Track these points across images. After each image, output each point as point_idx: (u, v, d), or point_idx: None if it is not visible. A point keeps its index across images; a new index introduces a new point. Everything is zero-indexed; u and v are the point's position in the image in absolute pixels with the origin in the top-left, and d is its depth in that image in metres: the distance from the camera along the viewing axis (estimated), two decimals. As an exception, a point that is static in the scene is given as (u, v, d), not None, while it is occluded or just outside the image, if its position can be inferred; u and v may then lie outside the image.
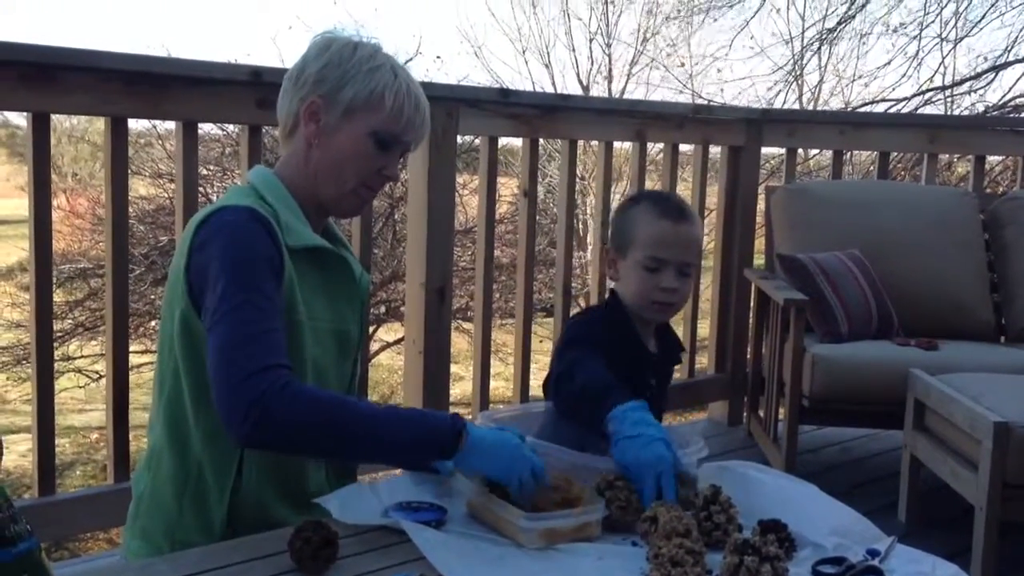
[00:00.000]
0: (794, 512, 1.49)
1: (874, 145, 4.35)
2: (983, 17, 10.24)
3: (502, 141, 3.35)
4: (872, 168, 4.80)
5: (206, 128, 2.47)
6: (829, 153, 4.60)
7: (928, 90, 10.23)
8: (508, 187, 8.55)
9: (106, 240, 2.48)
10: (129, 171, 2.55)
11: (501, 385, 8.28)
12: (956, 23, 10.22)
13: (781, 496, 1.59)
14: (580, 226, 10.49)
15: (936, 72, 10.29)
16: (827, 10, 11.64)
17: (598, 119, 3.58)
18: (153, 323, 8.70)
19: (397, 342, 9.28)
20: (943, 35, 10.23)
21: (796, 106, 11.64)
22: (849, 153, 6.07)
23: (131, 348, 2.64)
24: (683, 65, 13.03)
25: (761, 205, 4.10)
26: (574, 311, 3.52)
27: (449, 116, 2.95)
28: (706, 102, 11.21)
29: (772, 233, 3.89)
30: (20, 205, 13.84)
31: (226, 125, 7.48)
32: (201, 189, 3.24)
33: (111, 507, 2.42)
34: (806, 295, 3.30)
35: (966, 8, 10.23)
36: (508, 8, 19.34)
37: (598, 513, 1.44)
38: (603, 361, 1.73)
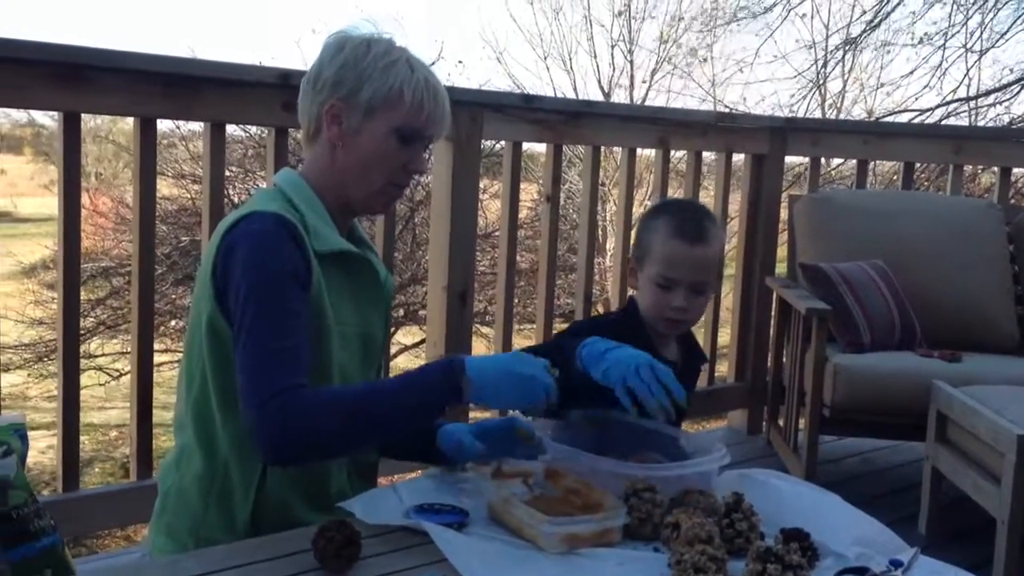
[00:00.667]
0: (816, 521, 1.49)
1: (899, 155, 4.33)
2: (1009, 28, 10.17)
3: (523, 146, 3.35)
4: (896, 178, 4.77)
5: (229, 129, 2.50)
6: (852, 162, 4.58)
7: (952, 101, 10.17)
8: (528, 192, 8.55)
9: (133, 240, 2.51)
10: (153, 172, 2.57)
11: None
12: (982, 34, 10.16)
13: (803, 505, 1.59)
14: (599, 232, 10.48)
15: (961, 83, 10.24)
16: (851, 18, 11.60)
17: (622, 126, 3.58)
18: (174, 323, 8.75)
19: (416, 345, 9.29)
20: (968, 46, 10.17)
21: (818, 114, 11.59)
22: (873, 163, 6.04)
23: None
24: (705, 61, 13.00)
25: (784, 214, 4.09)
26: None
27: (473, 121, 2.96)
28: (728, 110, 11.20)
29: (794, 242, 3.88)
30: (44, 204, 13.96)
31: (248, 127, 7.51)
32: (224, 190, 3.26)
33: (133, 504, 2.44)
34: (828, 304, 3.29)
35: (992, 19, 10.17)
36: (530, 14, 19.33)
37: (619, 519, 1.44)
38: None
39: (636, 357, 1.58)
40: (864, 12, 11.20)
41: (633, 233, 2.07)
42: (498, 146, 3.90)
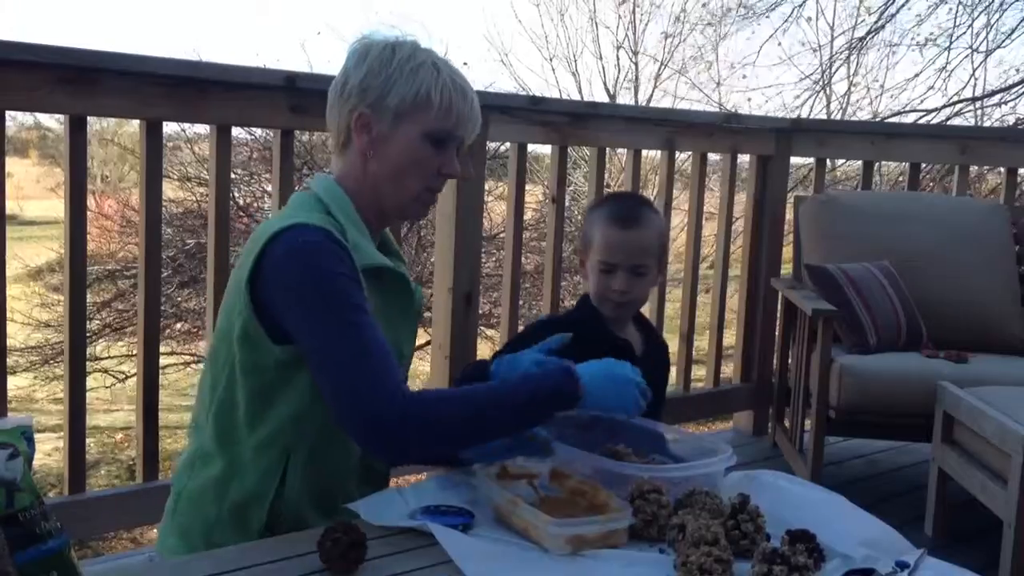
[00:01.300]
0: (823, 522, 1.48)
1: (905, 156, 4.33)
2: (1015, 29, 10.15)
3: (529, 148, 3.35)
4: (902, 179, 4.77)
5: (235, 132, 2.51)
6: (858, 163, 4.58)
7: (958, 101, 10.15)
8: (533, 194, 8.55)
9: (139, 243, 2.51)
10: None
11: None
12: (987, 35, 10.14)
13: (809, 506, 1.58)
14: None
15: (967, 84, 10.22)
16: (857, 20, 11.59)
17: (628, 127, 3.58)
18: (180, 325, 8.75)
19: (421, 347, 9.29)
20: (974, 46, 10.15)
21: (823, 115, 11.58)
22: (879, 164, 6.04)
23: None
24: (710, 67, 13.00)
25: (789, 215, 4.09)
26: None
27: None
28: (734, 111, 11.19)
29: (800, 243, 3.87)
30: (50, 207, 13.98)
31: (254, 129, 7.52)
32: (230, 192, 3.27)
33: (139, 506, 2.45)
34: (834, 306, 3.29)
35: (998, 19, 10.15)
36: (535, 16, 19.33)
37: (625, 521, 1.44)
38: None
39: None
40: (870, 13, 11.19)
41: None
42: (503, 148, 3.90)
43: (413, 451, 1.51)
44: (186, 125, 7.53)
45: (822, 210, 3.81)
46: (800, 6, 11.26)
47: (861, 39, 11.38)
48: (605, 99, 13.19)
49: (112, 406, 9.59)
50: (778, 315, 4.00)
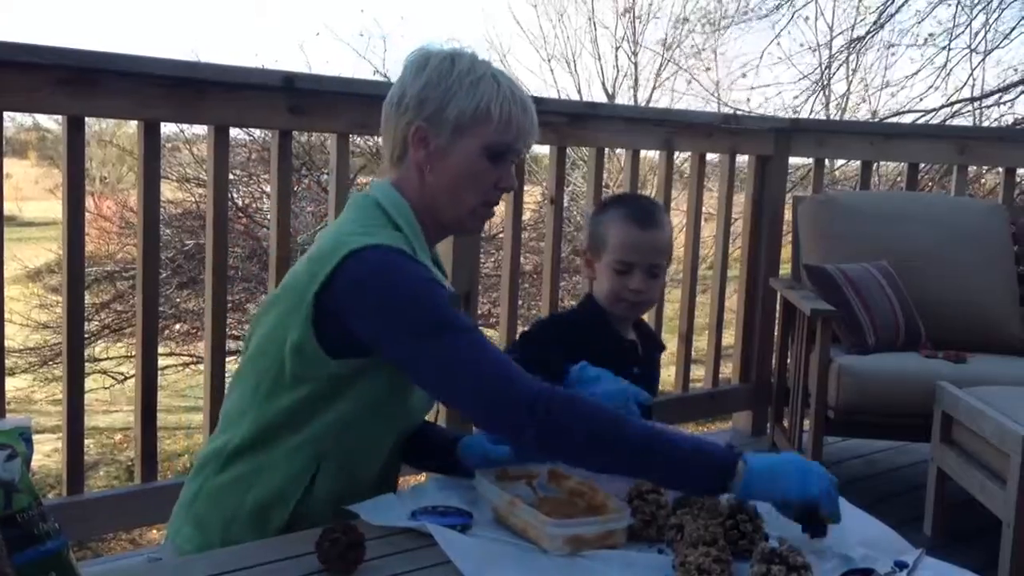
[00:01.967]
0: (821, 523, 1.48)
1: (903, 156, 4.33)
2: (1014, 29, 10.16)
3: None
4: (900, 179, 4.77)
5: (233, 133, 2.51)
6: (856, 163, 4.58)
7: (957, 101, 10.15)
8: (532, 195, 8.55)
9: (138, 244, 2.51)
10: (157, 175, 2.57)
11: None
12: (986, 35, 10.14)
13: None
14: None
15: (965, 84, 10.22)
16: (856, 20, 11.59)
17: (626, 128, 3.58)
18: (179, 326, 8.75)
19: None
20: (972, 46, 10.15)
21: (822, 115, 11.58)
22: (877, 164, 6.05)
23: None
24: (709, 69, 13.00)
25: (788, 215, 4.09)
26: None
27: (477, 123, 2.96)
28: (732, 111, 11.19)
29: (799, 243, 3.87)
30: (49, 208, 13.97)
31: (252, 130, 7.52)
32: (228, 193, 3.27)
33: (138, 507, 2.45)
34: (833, 306, 3.29)
35: (996, 19, 10.15)
36: (534, 17, 19.35)
37: (624, 521, 1.44)
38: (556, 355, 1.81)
39: (623, 391, 1.66)
40: (869, 13, 11.20)
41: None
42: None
43: (562, 438, 1.43)
44: (184, 126, 7.53)
45: (821, 210, 3.82)
46: (800, 8, 11.27)
47: (860, 39, 11.39)
48: (604, 99, 13.20)
49: (111, 407, 9.59)
50: (777, 315, 4.00)
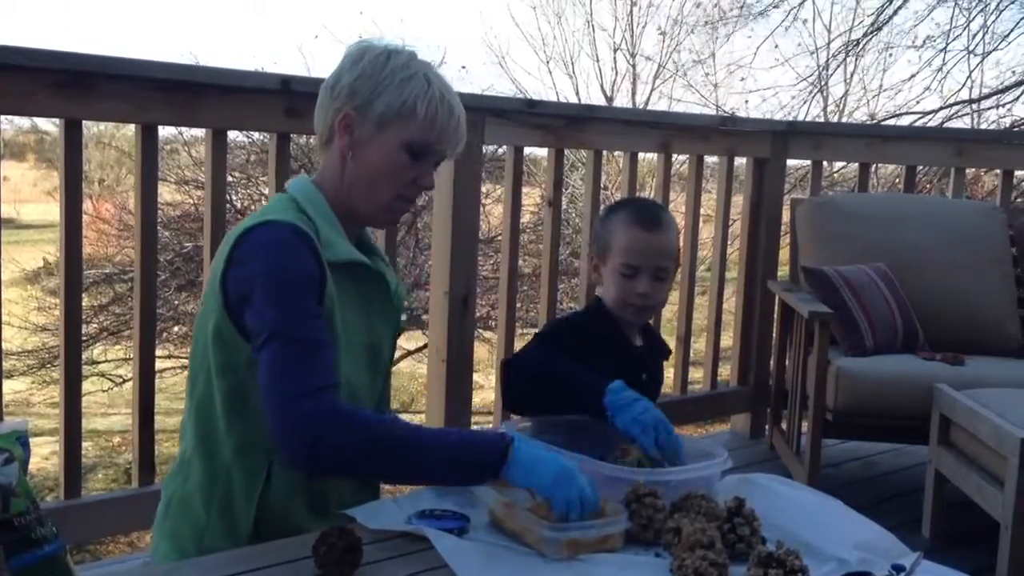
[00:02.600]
0: (818, 525, 1.49)
1: (901, 158, 4.33)
2: (1012, 31, 10.17)
3: (525, 150, 3.36)
4: (898, 181, 4.77)
5: (231, 135, 2.50)
6: (854, 165, 4.58)
7: (954, 103, 10.16)
8: (530, 197, 8.55)
9: (135, 246, 2.51)
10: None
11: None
12: (984, 36, 10.15)
13: (805, 509, 1.59)
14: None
15: (963, 86, 10.23)
16: (853, 21, 11.61)
17: (624, 130, 3.58)
18: (177, 328, 8.75)
19: (418, 350, 9.29)
20: (970, 48, 10.16)
21: (820, 117, 11.59)
22: (875, 166, 6.04)
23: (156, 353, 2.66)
24: (707, 74, 13.02)
25: (786, 217, 4.09)
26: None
27: (475, 125, 2.96)
28: (730, 113, 11.20)
29: (796, 245, 3.88)
30: (47, 210, 13.97)
31: (251, 132, 7.52)
32: (227, 195, 3.27)
33: (135, 510, 2.44)
34: (831, 308, 3.29)
35: (994, 21, 10.16)
36: (532, 19, 19.37)
37: (621, 525, 1.44)
38: (565, 357, 1.86)
39: (656, 424, 1.70)
40: (866, 15, 11.21)
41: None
42: (500, 151, 3.90)
43: (322, 464, 1.43)
44: (183, 128, 7.52)
45: (818, 212, 3.82)
46: (796, 8, 11.27)
47: (857, 41, 11.40)
48: (602, 101, 13.21)
49: (109, 410, 9.59)
50: (775, 317, 4.00)
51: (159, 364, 2.51)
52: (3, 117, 2.23)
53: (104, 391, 9.18)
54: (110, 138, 12.80)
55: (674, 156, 3.82)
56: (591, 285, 3.48)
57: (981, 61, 10.08)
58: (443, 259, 3.02)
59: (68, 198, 2.32)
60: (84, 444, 2.63)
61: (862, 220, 3.75)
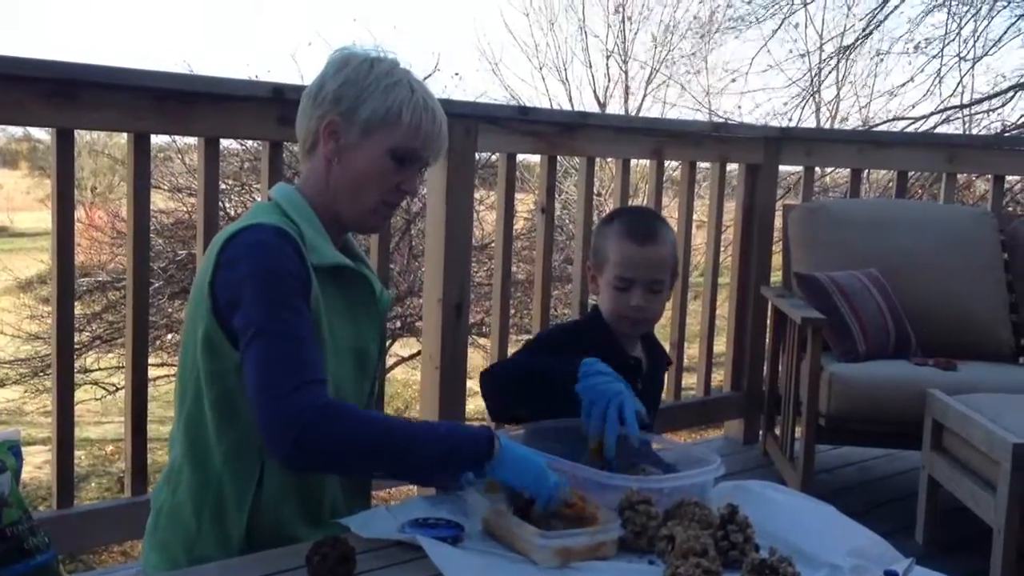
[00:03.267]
0: (811, 532, 1.49)
1: (892, 164, 4.35)
2: (1002, 36, 10.20)
3: (518, 157, 3.36)
4: (890, 186, 4.79)
5: (224, 142, 2.51)
6: (846, 171, 4.59)
7: (946, 108, 10.19)
8: (524, 203, 8.55)
9: (127, 254, 2.50)
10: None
11: (516, 401, 8.22)
12: (975, 42, 10.19)
13: (798, 516, 1.59)
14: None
15: (955, 91, 10.26)
16: (845, 27, 11.64)
17: (616, 137, 3.59)
18: (170, 336, 8.73)
19: (412, 357, 9.28)
20: (962, 54, 10.20)
21: (812, 122, 11.62)
22: (867, 171, 6.06)
23: (149, 361, 2.65)
24: (699, 73, 13.05)
25: (778, 222, 4.10)
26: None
27: (468, 133, 2.96)
28: (723, 119, 11.22)
29: (789, 251, 3.88)
30: (40, 218, 13.95)
31: (245, 140, 7.51)
32: (219, 203, 3.27)
33: (128, 520, 2.44)
34: (823, 314, 3.29)
35: (986, 27, 10.20)
36: (525, 25, 19.40)
37: (614, 532, 1.44)
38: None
39: (616, 395, 1.66)
40: (858, 20, 11.25)
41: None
42: (493, 157, 3.91)
43: (308, 458, 1.44)
44: (176, 136, 7.51)
45: (811, 218, 3.83)
46: (788, 15, 11.30)
47: (849, 46, 11.43)
48: (595, 107, 13.23)
49: (102, 418, 9.56)
50: (768, 323, 4.00)
51: (152, 372, 2.52)
52: (-5, 126, 2.23)
53: (97, 399, 9.14)
54: (103, 146, 12.78)
55: (667, 162, 3.83)
56: (584, 292, 3.49)
57: (972, 66, 10.11)
58: (436, 266, 3.02)
59: (60, 206, 2.32)
60: (77, 453, 2.63)
61: (854, 226, 3.76)
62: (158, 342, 8.43)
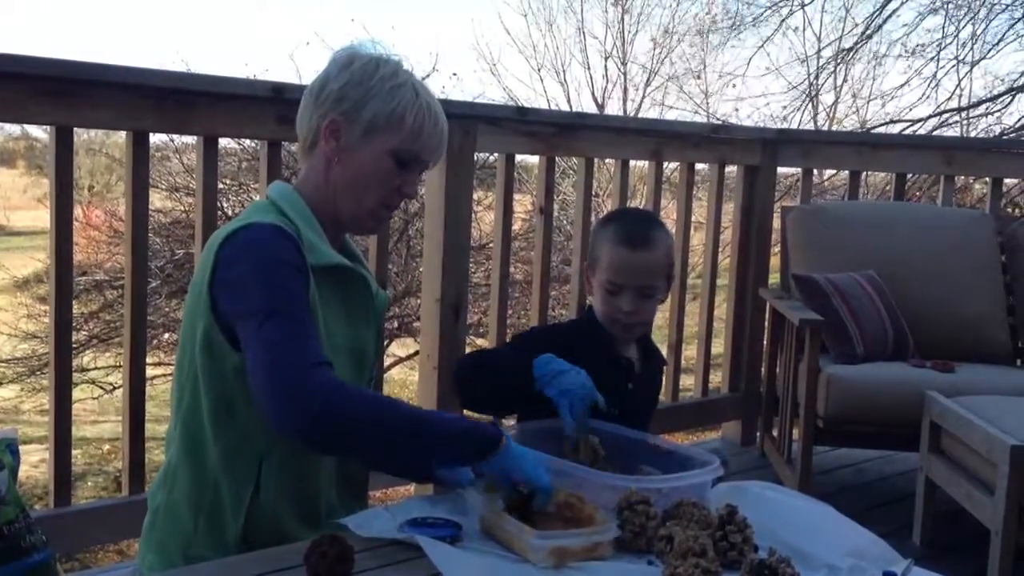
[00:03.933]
0: (810, 532, 1.49)
1: (891, 166, 4.35)
2: (1000, 39, 10.22)
3: (517, 157, 3.36)
4: (888, 189, 4.79)
5: (223, 141, 2.50)
6: (844, 173, 4.60)
7: (944, 111, 10.21)
8: (522, 204, 8.55)
9: (126, 254, 2.50)
10: (145, 185, 2.57)
11: (513, 402, 8.22)
12: (973, 45, 10.21)
13: (797, 516, 1.59)
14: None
15: (953, 94, 10.28)
16: (843, 30, 11.66)
17: (615, 138, 3.59)
18: (168, 336, 8.72)
19: (409, 357, 9.27)
20: (960, 57, 10.22)
21: (811, 125, 11.64)
22: (865, 174, 6.07)
23: (146, 361, 2.65)
24: (699, 77, 13.06)
25: (776, 224, 4.10)
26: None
27: (466, 133, 2.96)
28: (721, 121, 11.23)
29: (787, 253, 3.88)
30: (37, 217, 13.93)
31: (243, 140, 7.51)
32: (218, 202, 3.27)
33: (125, 519, 2.43)
34: (821, 315, 3.30)
35: (984, 30, 10.22)
36: (524, 26, 19.43)
37: (610, 533, 1.44)
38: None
39: (582, 389, 1.70)
40: (858, 23, 11.26)
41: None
42: (492, 158, 3.90)
43: (327, 432, 1.43)
44: (174, 135, 7.51)
45: (809, 220, 3.83)
46: (786, 17, 11.32)
47: (848, 50, 11.45)
48: (593, 108, 13.24)
49: (100, 417, 9.55)
50: (766, 325, 4.00)
51: (149, 371, 2.52)
52: (-7, 123, 2.23)
53: (94, 398, 9.14)
54: (100, 145, 12.77)
55: (665, 164, 3.83)
56: (583, 293, 3.49)
57: (970, 69, 10.14)
58: (435, 266, 3.02)
59: (58, 205, 2.31)
60: (74, 452, 2.62)
61: (852, 228, 3.76)
62: (156, 342, 8.43)
